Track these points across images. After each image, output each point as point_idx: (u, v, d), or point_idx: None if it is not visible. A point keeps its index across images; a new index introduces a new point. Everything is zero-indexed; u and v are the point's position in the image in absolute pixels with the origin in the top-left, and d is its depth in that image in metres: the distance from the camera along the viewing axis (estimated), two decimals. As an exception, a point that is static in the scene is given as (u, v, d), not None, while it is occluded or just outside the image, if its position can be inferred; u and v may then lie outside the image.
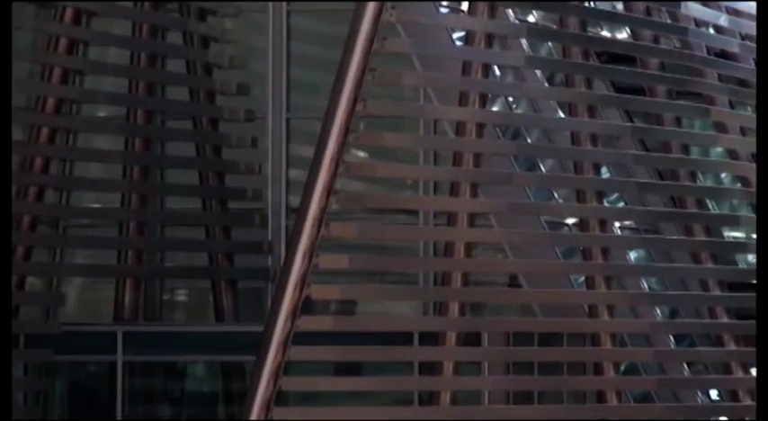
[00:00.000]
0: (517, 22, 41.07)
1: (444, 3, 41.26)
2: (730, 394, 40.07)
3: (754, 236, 41.24)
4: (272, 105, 42.30)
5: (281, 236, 40.78)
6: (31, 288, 40.85)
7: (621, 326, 38.01)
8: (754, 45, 43.56)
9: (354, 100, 33.64)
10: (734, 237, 43.35)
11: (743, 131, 42.41)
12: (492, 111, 38.77)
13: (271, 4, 43.47)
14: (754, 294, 38.60)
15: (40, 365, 40.00)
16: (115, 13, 41.80)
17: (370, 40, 33.96)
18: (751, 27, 43.95)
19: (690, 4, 43.17)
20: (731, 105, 42.80)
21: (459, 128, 36.53)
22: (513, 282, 39.10)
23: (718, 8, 44.37)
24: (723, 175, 43.94)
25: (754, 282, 39.72)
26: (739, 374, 39.65)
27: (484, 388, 36.59)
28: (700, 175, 42.01)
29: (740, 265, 43.14)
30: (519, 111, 40.71)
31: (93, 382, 41.74)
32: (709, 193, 42.11)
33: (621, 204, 40.83)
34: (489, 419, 36.25)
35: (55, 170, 40.68)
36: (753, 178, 42.21)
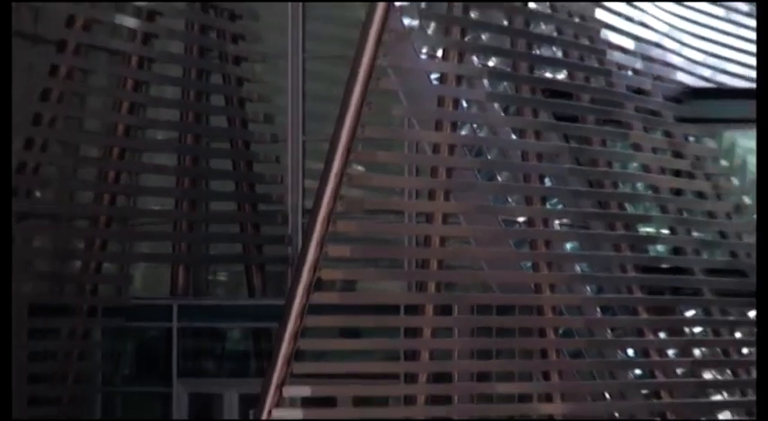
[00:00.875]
0: (480, 65, 42.65)
1: (424, 50, 42.19)
2: (643, 352, 42.07)
3: (664, 231, 45.04)
4: (291, 130, 44.92)
5: (298, 231, 42.87)
6: (107, 271, 43.25)
7: (560, 301, 40.11)
8: (663, 84, 46.56)
9: (355, 126, 35.60)
10: (646, 232, 44.71)
11: (654, 151, 44.27)
12: (460, 135, 40.72)
13: (290, 53, 45.73)
14: (662, 275, 43.95)
15: (114, 330, 42.53)
16: (170, 59, 44.59)
17: (368, 79, 35.80)
18: (661, 69, 47.20)
19: (615, 53, 45.18)
20: (645, 130, 44.16)
21: (435, 147, 39.00)
22: (478, 266, 40.90)
23: (635, 55, 46.19)
24: (638, 184, 45.42)
25: (663, 266, 44.17)
26: (650, 337, 41.54)
27: (454, 347, 38.91)
28: (620, 184, 43.92)
29: (651, 254, 44.27)
30: (482, 134, 42.43)
31: (154, 344, 44.45)
32: (627, 198, 43.96)
33: (560, 207, 43.00)
34: (458, 371, 39.72)
35: (124, 180, 42.99)
36: (663, 186, 44.67)
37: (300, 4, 45.45)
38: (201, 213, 44.90)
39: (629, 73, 45.31)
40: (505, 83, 42.80)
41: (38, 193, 42.57)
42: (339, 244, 35.92)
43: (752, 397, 42.66)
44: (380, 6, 36.41)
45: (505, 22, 42.62)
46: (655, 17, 49.09)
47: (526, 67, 41.59)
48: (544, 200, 40.76)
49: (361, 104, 35.92)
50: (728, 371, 44.62)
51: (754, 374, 43.52)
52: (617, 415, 41.48)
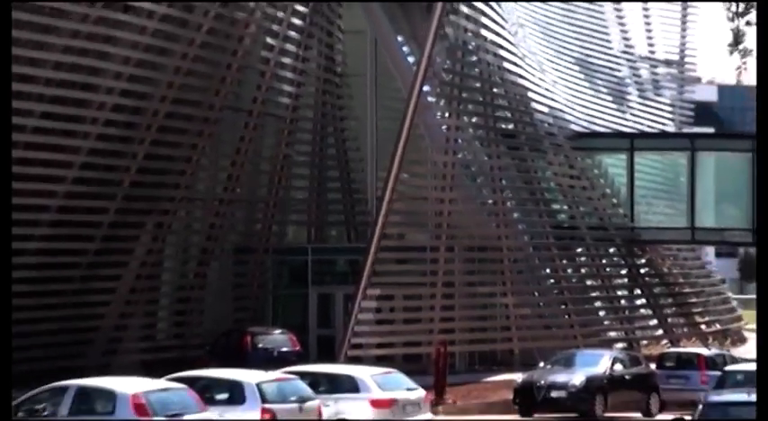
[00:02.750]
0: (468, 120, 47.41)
1: (438, 114, 45.92)
2: (554, 272, 47.78)
3: (565, 207, 50.34)
4: (370, 160, 48.65)
5: (372, 211, 44.90)
6: (274, 232, 46.84)
7: (513, 245, 45.51)
8: (564, 130, 50.62)
9: (403, 153, 41.32)
10: (557, 207, 50.48)
11: (560, 165, 49.66)
12: (458, 157, 45.73)
13: (369, 117, 48.64)
14: (563, 230, 48.24)
15: (278, 262, 46.64)
16: (306, 120, 47.31)
17: (410, 128, 41.61)
18: (563, 122, 51.03)
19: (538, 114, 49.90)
20: (554, 154, 49.48)
21: (444, 164, 43.88)
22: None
23: (550, 114, 50.79)
24: (551, 183, 50.60)
25: (564, 225, 48.96)
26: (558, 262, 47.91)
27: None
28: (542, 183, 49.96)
29: (559, 219, 50.24)
30: (469, 156, 47.24)
31: (300, 268, 46.84)
32: (547, 190, 49.90)
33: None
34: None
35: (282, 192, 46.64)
36: (564, 183, 49.68)
37: (374, 81, 48.61)
38: (324, 202, 49.31)
39: (547, 124, 50.05)
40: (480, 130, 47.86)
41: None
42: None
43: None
44: (415, 96, 42.05)
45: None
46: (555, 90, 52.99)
47: (492, 121, 47.70)
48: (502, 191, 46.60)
49: (406, 141, 41.67)
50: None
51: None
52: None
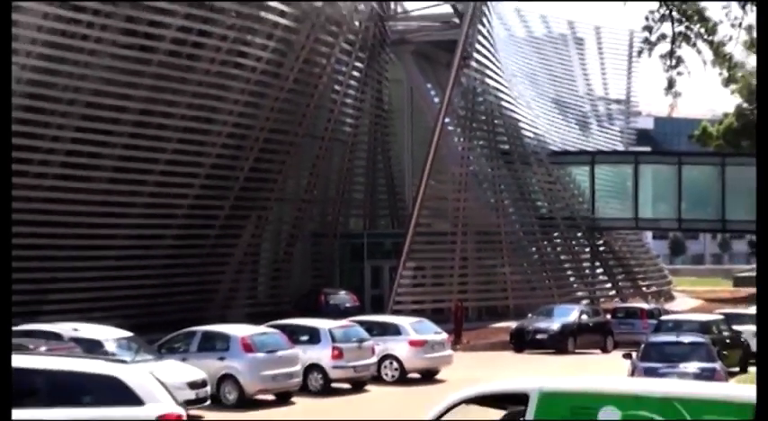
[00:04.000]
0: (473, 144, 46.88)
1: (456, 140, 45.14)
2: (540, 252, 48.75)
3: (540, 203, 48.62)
4: (407, 174, 48.10)
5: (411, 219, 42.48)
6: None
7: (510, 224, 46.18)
8: (544, 147, 49.36)
9: (431, 168, 41.51)
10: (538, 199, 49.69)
11: (541, 174, 48.73)
12: (470, 169, 44.59)
13: (406, 137, 48.17)
14: (543, 221, 47.36)
15: (343, 244, 45.67)
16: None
17: (435, 150, 41.71)
18: (543, 142, 50.03)
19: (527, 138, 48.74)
20: (538, 165, 48.64)
21: (461, 175, 43.09)
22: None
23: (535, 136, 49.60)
24: (536, 187, 49.65)
25: (545, 216, 48.66)
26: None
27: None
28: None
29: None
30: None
31: (358, 248, 45.84)
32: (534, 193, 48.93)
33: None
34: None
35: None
36: (545, 188, 48.59)
37: (411, 115, 48.28)
38: (375, 201, 47.95)
39: (532, 145, 49.35)
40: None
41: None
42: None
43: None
44: (439, 125, 42.40)
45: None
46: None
47: (494, 143, 47.20)
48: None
49: (433, 157, 41.95)
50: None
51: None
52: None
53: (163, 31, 33.23)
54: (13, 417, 11.97)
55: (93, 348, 20.35)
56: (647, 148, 64.00)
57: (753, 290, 45.89)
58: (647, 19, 9.69)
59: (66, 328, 22.24)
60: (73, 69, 31.34)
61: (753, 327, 29.64)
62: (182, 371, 21.06)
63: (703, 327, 28.01)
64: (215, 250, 38.05)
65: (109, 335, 22.13)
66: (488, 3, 46.40)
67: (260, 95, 37.28)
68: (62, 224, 31.60)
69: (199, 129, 35.32)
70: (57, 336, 21.38)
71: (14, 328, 22.62)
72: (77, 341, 20.93)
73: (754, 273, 61.24)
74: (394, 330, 28.33)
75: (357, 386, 25.83)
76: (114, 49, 32.10)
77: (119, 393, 12.40)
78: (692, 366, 21.66)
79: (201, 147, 35.74)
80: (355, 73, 43.92)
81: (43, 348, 18.81)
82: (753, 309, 32.14)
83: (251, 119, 37.24)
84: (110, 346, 21.10)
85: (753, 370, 26.73)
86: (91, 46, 31.61)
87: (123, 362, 15.15)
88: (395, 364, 27.45)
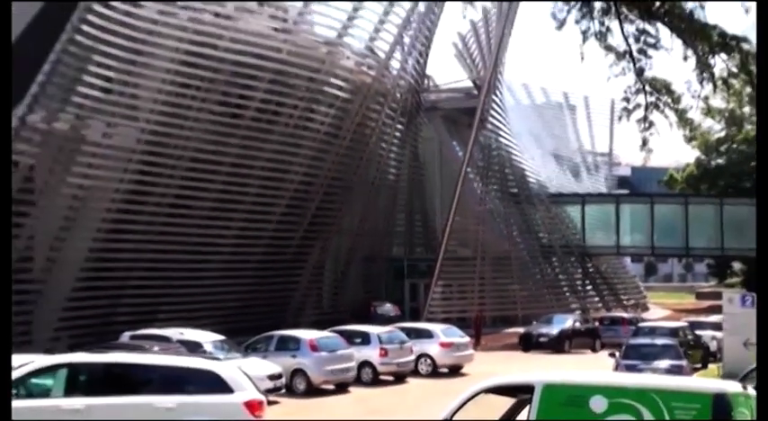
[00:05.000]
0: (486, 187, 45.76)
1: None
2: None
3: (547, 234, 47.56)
4: (440, 211, 46.58)
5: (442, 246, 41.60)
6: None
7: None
8: (543, 190, 48.78)
9: (458, 203, 41.08)
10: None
11: (542, 210, 48.30)
12: (485, 208, 44.14)
13: (438, 183, 47.02)
14: (543, 249, 45.42)
15: (387, 267, 44.42)
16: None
17: (460, 193, 41.16)
18: (543, 185, 49.60)
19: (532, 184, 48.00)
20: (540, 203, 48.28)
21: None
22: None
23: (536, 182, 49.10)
24: (537, 218, 48.75)
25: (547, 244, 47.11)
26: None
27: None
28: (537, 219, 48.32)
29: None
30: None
31: (399, 269, 44.61)
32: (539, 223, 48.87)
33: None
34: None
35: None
36: (546, 221, 47.83)
37: (440, 166, 48.05)
38: (413, 232, 47.24)
39: (535, 189, 49.24)
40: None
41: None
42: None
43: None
44: (462, 173, 41.63)
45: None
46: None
47: (505, 186, 47.07)
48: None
49: (458, 199, 41.31)
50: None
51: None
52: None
53: (249, 102, 33.22)
54: (135, 403, 12.16)
55: (194, 348, 20.51)
56: (626, 191, 63.42)
57: (712, 302, 47.42)
58: (625, 92, 9.70)
59: (174, 333, 22.36)
60: (180, 132, 31.47)
61: (711, 332, 29.99)
62: (263, 366, 21.08)
63: (672, 332, 27.80)
64: (289, 271, 37.76)
65: (207, 338, 22.28)
66: (500, 77, 45.98)
67: (323, 151, 37.10)
68: (172, 251, 31.50)
69: (276, 177, 35.19)
70: (167, 339, 21.51)
71: (135, 333, 23.24)
72: (183, 342, 21.00)
73: (712, 289, 61.46)
74: (428, 334, 28.12)
75: (399, 378, 25.72)
76: (211, 116, 32.15)
77: (214, 383, 12.38)
78: (664, 363, 21.53)
79: (278, 191, 35.55)
80: (397, 133, 43.61)
81: (156, 348, 18.92)
82: (712, 318, 33.02)
83: (316, 169, 37.05)
84: (207, 347, 21.23)
85: (712, 366, 26.37)
86: (194, 114, 31.76)
87: (217, 359, 15.20)
88: (428, 361, 27.32)
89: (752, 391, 9.57)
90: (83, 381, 12.35)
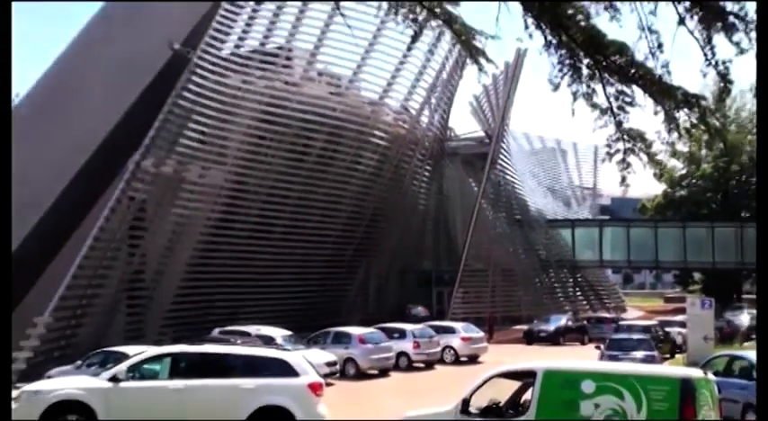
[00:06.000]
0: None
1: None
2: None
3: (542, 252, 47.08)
4: (460, 234, 45.26)
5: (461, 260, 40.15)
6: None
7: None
8: (541, 216, 47.78)
9: (473, 232, 39.98)
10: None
11: (539, 232, 47.26)
12: (497, 231, 43.33)
13: (459, 211, 45.63)
14: (543, 261, 45.27)
15: (414, 277, 43.34)
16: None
17: (476, 219, 39.99)
18: (540, 212, 48.61)
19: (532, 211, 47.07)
20: (539, 226, 47.08)
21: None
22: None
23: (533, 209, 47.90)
24: (538, 239, 47.26)
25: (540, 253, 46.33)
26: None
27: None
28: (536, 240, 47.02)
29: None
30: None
31: (427, 280, 43.41)
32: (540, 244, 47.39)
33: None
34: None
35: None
36: (543, 241, 46.78)
37: (461, 199, 46.13)
38: (438, 251, 46.37)
39: (536, 216, 48.43)
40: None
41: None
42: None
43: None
44: (478, 204, 40.59)
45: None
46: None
47: (511, 214, 45.71)
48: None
49: (474, 223, 39.88)
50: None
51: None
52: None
53: (311, 149, 33.16)
54: (223, 384, 12.04)
55: (268, 341, 20.33)
56: (607, 217, 61.80)
57: (677, 305, 46.13)
58: (607, 140, 9.63)
59: (253, 329, 22.37)
60: (257, 173, 31.43)
61: (677, 329, 29.29)
62: (322, 356, 20.91)
63: (645, 329, 27.17)
64: (342, 282, 37.29)
65: (278, 333, 22.10)
66: (506, 128, 45.32)
67: (368, 187, 36.73)
68: (251, 266, 31.33)
69: (332, 208, 34.84)
70: (247, 334, 21.45)
71: (223, 329, 23.13)
72: (259, 337, 20.94)
73: (677, 295, 60.37)
74: (451, 330, 27.63)
75: (428, 365, 25.31)
76: (282, 160, 32.05)
77: (284, 369, 12.33)
78: (640, 354, 20.98)
79: (333, 219, 35.18)
80: (426, 173, 43.03)
81: (239, 341, 18.59)
82: (678, 317, 32.15)
83: (363, 201, 36.63)
84: (279, 340, 21.02)
85: (678, 356, 25.68)
86: (268, 159, 31.77)
87: (287, 350, 15.10)
88: (452, 352, 26.85)
89: (711, 376, 9.41)
90: (183, 367, 12.37)
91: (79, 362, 17.84)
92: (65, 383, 12.08)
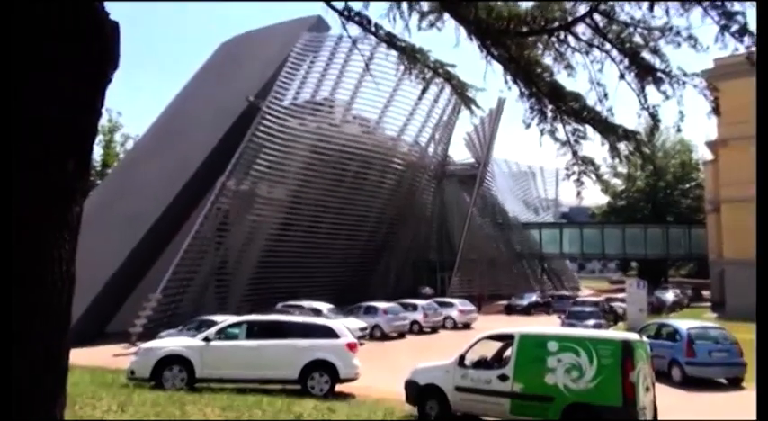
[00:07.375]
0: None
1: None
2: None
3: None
4: (457, 239, 42.94)
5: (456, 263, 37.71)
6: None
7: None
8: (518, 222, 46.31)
9: (466, 239, 38.14)
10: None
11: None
12: (487, 236, 42.65)
13: (457, 224, 42.24)
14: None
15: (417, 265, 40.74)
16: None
17: (467, 228, 38.85)
18: (517, 222, 47.32)
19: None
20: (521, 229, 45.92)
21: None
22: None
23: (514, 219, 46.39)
24: (518, 245, 45.06)
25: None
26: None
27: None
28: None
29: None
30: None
31: (421, 265, 40.81)
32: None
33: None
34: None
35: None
36: (525, 245, 45.33)
37: (461, 216, 43.29)
38: (442, 250, 43.11)
39: (516, 222, 47.01)
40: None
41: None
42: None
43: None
44: (468, 218, 39.13)
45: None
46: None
47: (499, 223, 44.37)
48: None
49: (467, 231, 38.49)
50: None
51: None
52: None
53: (346, 173, 32.62)
54: (285, 344, 11.95)
55: (317, 313, 20.12)
56: (566, 221, 60.65)
57: (619, 286, 44.82)
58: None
59: (306, 304, 22.22)
60: (308, 190, 30.98)
61: (619, 304, 28.46)
62: (356, 323, 20.69)
63: (595, 304, 26.53)
64: (370, 269, 36.37)
65: (324, 306, 21.91)
66: (491, 155, 44.24)
67: (389, 200, 35.96)
68: (305, 257, 30.73)
69: (362, 215, 34.11)
70: (302, 307, 21.31)
71: (284, 303, 22.79)
72: (311, 309, 20.77)
73: (619, 278, 59.19)
74: (450, 305, 27.07)
75: (434, 330, 24.85)
76: (325, 181, 31.69)
77: (329, 333, 12.21)
78: (591, 322, 20.76)
79: (363, 224, 34.51)
80: (431, 189, 42.21)
81: (297, 313, 18.76)
82: (620, 295, 31.11)
83: (385, 210, 35.91)
84: (325, 312, 20.82)
85: (620, 324, 25.00)
86: (316, 180, 31.27)
87: (330, 318, 15.45)
88: (451, 321, 26.21)
89: (645, 339, 9.20)
90: (256, 331, 12.23)
91: (181, 327, 17.82)
92: (171, 342, 12.24)
